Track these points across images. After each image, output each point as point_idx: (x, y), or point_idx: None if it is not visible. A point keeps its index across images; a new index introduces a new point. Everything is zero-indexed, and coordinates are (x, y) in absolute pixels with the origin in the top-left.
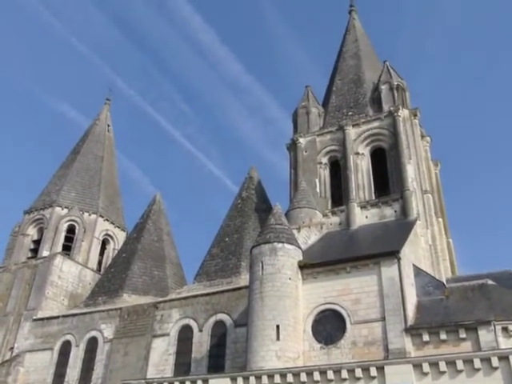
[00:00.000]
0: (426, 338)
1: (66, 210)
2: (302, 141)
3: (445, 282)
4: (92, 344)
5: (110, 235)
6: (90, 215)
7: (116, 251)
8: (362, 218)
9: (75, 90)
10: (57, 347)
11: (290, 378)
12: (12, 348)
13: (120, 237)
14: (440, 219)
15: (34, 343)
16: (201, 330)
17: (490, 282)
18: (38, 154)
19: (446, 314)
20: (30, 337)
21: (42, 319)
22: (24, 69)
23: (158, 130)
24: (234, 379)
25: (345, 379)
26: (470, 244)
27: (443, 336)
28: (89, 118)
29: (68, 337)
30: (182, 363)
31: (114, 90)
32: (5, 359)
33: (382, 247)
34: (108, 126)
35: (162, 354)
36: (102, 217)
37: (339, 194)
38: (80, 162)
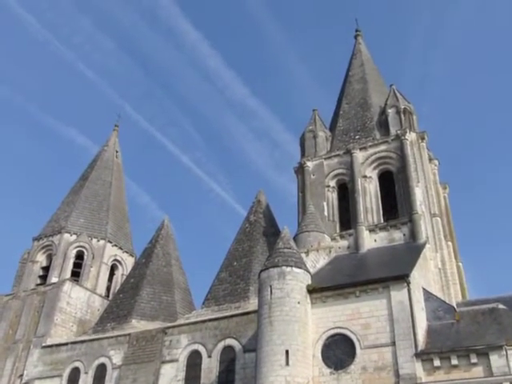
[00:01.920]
0: (436, 362)
1: (74, 236)
2: (309, 164)
3: (455, 306)
4: (101, 371)
5: (118, 260)
6: (98, 241)
7: (124, 276)
8: (370, 241)
9: (83, 116)
10: (66, 374)
11: None
12: (21, 375)
13: (128, 262)
14: (449, 243)
15: (42, 370)
16: (210, 356)
17: (501, 306)
18: (47, 180)
19: (457, 338)
20: (39, 364)
21: (51, 346)
22: (33, 95)
23: (166, 154)
24: None
25: None
26: (481, 267)
27: (454, 361)
28: (97, 144)
29: (77, 363)
30: None
31: (122, 116)
32: None
33: (391, 271)
34: (116, 151)
35: (170, 380)
36: (111, 242)
37: (347, 218)
38: (88, 188)
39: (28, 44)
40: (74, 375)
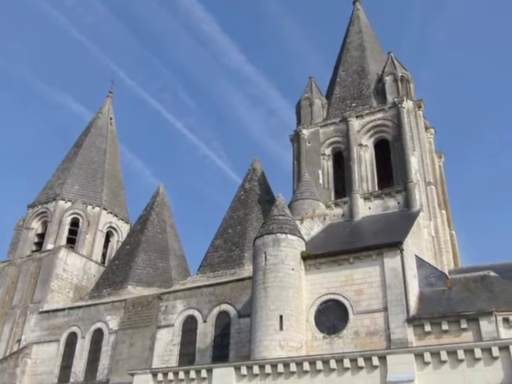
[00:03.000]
0: (427, 328)
1: (69, 204)
2: (305, 132)
3: (447, 274)
4: (97, 335)
5: (113, 228)
6: (93, 208)
7: (120, 243)
8: (365, 209)
9: (77, 82)
10: (63, 339)
11: (293, 367)
12: (19, 340)
13: (124, 229)
14: (443, 211)
15: (40, 335)
16: (205, 321)
17: (492, 273)
18: (41, 147)
19: (448, 304)
20: (37, 329)
21: (48, 312)
22: (25, 61)
23: (161, 121)
24: (237, 368)
25: (347, 368)
26: (473, 236)
27: (445, 326)
28: (91, 111)
29: (74, 328)
30: (187, 353)
31: (116, 82)
32: (12, 351)
33: (384, 238)
34: (111, 118)
35: (166, 345)
36: (106, 209)
37: (342, 186)
38: (83, 156)
39: (18, 7)
40: (72, 340)
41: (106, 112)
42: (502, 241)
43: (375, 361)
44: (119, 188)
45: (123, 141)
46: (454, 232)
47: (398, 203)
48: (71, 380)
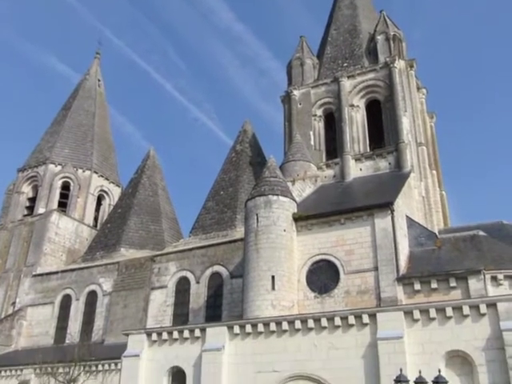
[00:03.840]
0: (417, 286)
1: (59, 167)
2: (296, 93)
3: (437, 233)
4: (92, 297)
5: (105, 191)
6: (84, 171)
7: (111, 207)
8: (356, 170)
9: (63, 43)
10: (57, 301)
11: (285, 325)
12: (14, 303)
13: (115, 192)
14: (434, 172)
15: (34, 298)
16: (198, 282)
17: (481, 233)
18: (29, 110)
19: (438, 263)
20: (31, 292)
21: (42, 275)
22: (8, 19)
23: (150, 83)
24: (230, 328)
25: (338, 326)
26: (463, 196)
27: (434, 285)
28: (78, 73)
29: (68, 291)
30: (180, 314)
31: (103, 43)
32: (7, 314)
33: (375, 199)
34: (99, 80)
35: (160, 306)
36: (97, 173)
37: (334, 147)
38: (72, 119)
39: None
40: (66, 302)
41: (94, 74)
42: (492, 201)
43: (365, 318)
44: (110, 151)
45: (112, 103)
46: (444, 192)
47: (389, 164)
48: (67, 341)
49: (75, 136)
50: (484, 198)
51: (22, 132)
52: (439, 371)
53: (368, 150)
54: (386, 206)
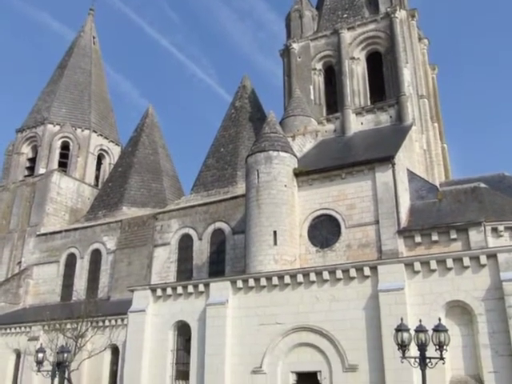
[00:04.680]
0: (418, 239)
1: (58, 127)
2: (295, 46)
3: (438, 186)
4: (96, 255)
5: (104, 150)
6: (82, 131)
7: (112, 166)
8: (357, 124)
9: None
10: (62, 260)
11: (287, 279)
12: (19, 262)
13: (115, 151)
14: (435, 124)
15: (40, 257)
16: (200, 239)
17: (482, 185)
18: (24, 69)
19: (439, 216)
20: (36, 251)
21: (46, 234)
22: None
23: (146, 39)
24: (234, 282)
25: (339, 279)
26: (465, 149)
27: (435, 237)
28: (73, 30)
29: (72, 250)
30: (184, 270)
31: None
32: (14, 273)
33: (376, 153)
34: (93, 37)
35: (163, 262)
36: (96, 132)
37: (334, 101)
38: (68, 77)
39: None
40: (71, 260)
41: (89, 31)
42: (494, 153)
43: (366, 271)
44: (108, 110)
45: (108, 61)
46: (445, 145)
47: (391, 117)
48: (73, 298)
49: (72, 95)
50: (486, 151)
51: (19, 92)
52: (439, 320)
53: (369, 103)
54: (387, 159)
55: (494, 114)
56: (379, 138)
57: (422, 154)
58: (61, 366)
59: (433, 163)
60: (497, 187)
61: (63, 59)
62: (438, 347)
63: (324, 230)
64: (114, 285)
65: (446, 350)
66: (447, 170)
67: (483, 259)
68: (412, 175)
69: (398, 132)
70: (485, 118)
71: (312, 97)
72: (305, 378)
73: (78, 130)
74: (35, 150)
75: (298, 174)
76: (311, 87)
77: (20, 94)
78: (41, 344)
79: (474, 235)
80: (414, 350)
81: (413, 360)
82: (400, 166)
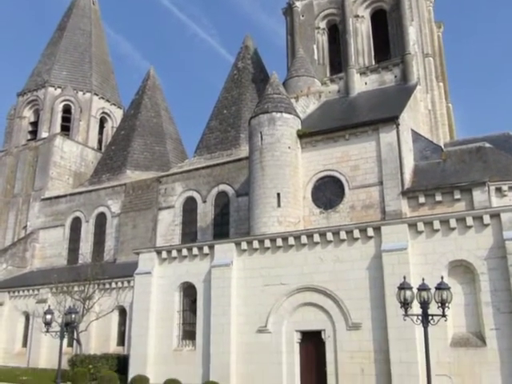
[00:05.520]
0: (421, 200)
1: (59, 90)
2: (298, 4)
3: (442, 147)
4: (101, 219)
5: (107, 113)
6: (84, 94)
7: (115, 129)
8: (361, 84)
9: None
10: (67, 224)
11: (291, 240)
12: (25, 227)
13: (117, 114)
14: (441, 84)
15: (45, 221)
16: (204, 201)
17: (487, 144)
18: (23, 32)
19: (443, 176)
20: (41, 215)
21: (50, 198)
22: None
23: None
24: (238, 244)
25: (343, 240)
26: (470, 108)
27: (438, 197)
28: None
29: (77, 213)
30: (189, 233)
31: None
32: (20, 237)
33: (380, 113)
34: None
35: (168, 225)
36: (97, 95)
37: (338, 61)
38: (68, 39)
39: None
40: (76, 224)
41: None
42: (499, 112)
43: (370, 232)
44: (109, 72)
45: (108, 22)
46: (450, 105)
47: (395, 77)
48: (80, 261)
49: (73, 57)
50: (492, 110)
51: (19, 54)
52: (442, 278)
53: (373, 62)
54: (392, 120)
55: (501, 72)
56: (383, 98)
57: (426, 114)
58: (69, 327)
59: (437, 123)
60: (502, 147)
61: (62, 20)
62: (440, 305)
63: (328, 192)
64: (119, 248)
65: (448, 308)
66: (452, 130)
67: (486, 219)
68: (416, 135)
69: (402, 92)
70: (491, 76)
71: (316, 57)
72: (309, 337)
73: (80, 93)
74: (37, 113)
75: (301, 135)
76: (315, 47)
77: (20, 56)
78: (49, 306)
79: (478, 195)
80: (416, 308)
81: (415, 318)
82: (404, 126)
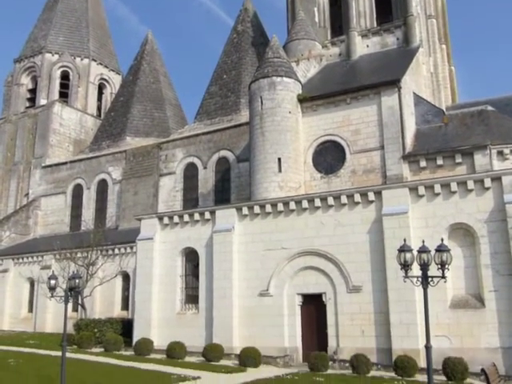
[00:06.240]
0: (423, 163)
1: (56, 56)
2: None
3: (444, 110)
4: (102, 186)
5: (105, 79)
6: (82, 60)
7: (113, 95)
8: (362, 47)
9: None
10: (69, 191)
11: (292, 205)
12: (27, 194)
13: (116, 80)
14: (443, 46)
15: (46, 189)
16: (205, 167)
17: (490, 107)
18: None
19: (444, 140)
20: (42, 183)
21: (51, 166)
22: None
23: None
24: (239, 209)
25: (344, 204)
26: (473, 71)
27: (440, 161)
28: None
29: (78, 181)
30: (190, 199)
31: None
32: (22, 205)
33: (382, 77)
34: None
35: (169, 191)
36: (95, 60)
37: (339, 24)
38: (64, 4)
39: None
40: (77, 191)
41: None
42: (502, 75)
43: (371, 196)
44: (106, 37)
45: None
46: (453, 67)
47: (397, 39)
48: (82, 228)
49: (69, 22)
50: (495, 73)
51: (15, 18)
52: (442, 240)
53: (375, 25)
54: (393, 83)
55: (505, 34)
56: (385, 61)
57: (428, 78)
58: (73, 292)
59: (440, 86)
60: (504, 110)
61: None
62: (440, 266)
63: (328, 156)
64: (121, 214)
65: (448, 269)
66: (454, 93)
67: (487, 182)
68: (418, 99)
69: (404, 55)
70: (495, 38)
71: (316, 19)
72: (310, 300)
73: (77, 59)
74: (35, 80)
75: (302, 99)
76: (315, 9)
77: (17, 20)
78: (52, 271)
79: (479, 159)
80: (416, 271)
81: (415, 279)
82: (406, 89)
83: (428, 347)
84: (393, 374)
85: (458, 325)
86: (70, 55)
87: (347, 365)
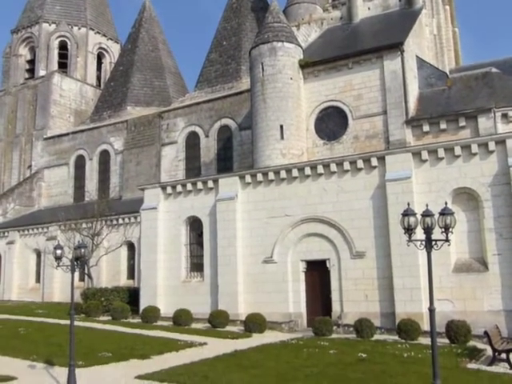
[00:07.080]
0: (426, 128)
1: (54, 26)
2: None
3: (448, 73)
4: (104, 156)
5: (104, 48)
6: (79, 29)
7: (113, 65)
8: (364, 10)
9: None
10: (72, 162)
11: (295, 172)
12: (30, 166)
13: (114, 49)
14: (447, 7)
15: (49, 160)
16: (207, 136)
17: (494, 69)
18: None
19: (448, 104)
20: (45, 155)
21: (53, 137)
22: None
23: None
24: (242, 177)
25: (347, 171)
26: (477, 32)
27: (443, 125)
28: None
29: (81, 152)
30: (192, 168)
31: None
32: (25, 177)
33: (384, 40)
34: None
35: (172, 161)
36: (93, 29)
37: None
38: None
39: None
40: (80, 162)
41: None
42: (507, 35)
43: (374, 162)
44: (103, 5)
45: None
46: (456, 29)
47: (400, 1)
48: (86, 199)
49: None
50: (500, 34)
51: None
52: (445, 203)
53: None
54: (396, 46)
55: None
56: (387, 24)
57: (431, 40)
58: (79, 261)
59: (443, 49)
60: (509, 72)
61: None
62: (443, 230)
63: (331, 123)
64: (124, 184)
65: (452, 233)
66: (458, 55)
67: (491, 145)
68: (421, 62)
69: (407, 17)
70: None
71: None
72: (314, 266)
73: (75, 28)
74: (33, 51)
75: (303, 65)
76: None
77: None
78: (58, 241)
79: (483, 122)
80: (420, 235)
81: (419, 243)
82: (409, 52)
83: (431, 310)
84: (396, 338)
85: (461, 288)
86: (68, 24)
87: (351, 329)
